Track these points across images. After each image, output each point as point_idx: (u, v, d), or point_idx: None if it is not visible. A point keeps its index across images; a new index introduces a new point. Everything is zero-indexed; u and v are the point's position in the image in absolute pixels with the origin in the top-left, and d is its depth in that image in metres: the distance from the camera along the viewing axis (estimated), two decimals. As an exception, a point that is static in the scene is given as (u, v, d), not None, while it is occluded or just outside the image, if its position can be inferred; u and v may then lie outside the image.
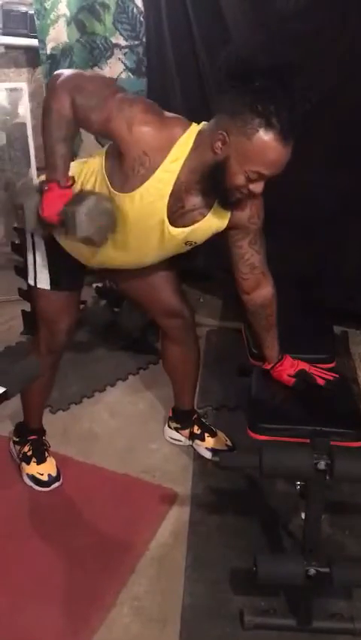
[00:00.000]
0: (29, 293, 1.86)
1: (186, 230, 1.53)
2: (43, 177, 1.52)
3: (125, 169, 1.40)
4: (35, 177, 3.01)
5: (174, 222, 1.50)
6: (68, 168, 1.45)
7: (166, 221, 1.48)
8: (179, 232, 1.52)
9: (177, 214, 1.49)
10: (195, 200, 1.49)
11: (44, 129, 1.43)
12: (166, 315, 1.88)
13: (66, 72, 1.43)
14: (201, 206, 1.50)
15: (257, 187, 1.39)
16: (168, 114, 1.44)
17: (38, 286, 1.72)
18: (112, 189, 1.44)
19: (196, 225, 1.53)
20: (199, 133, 1.41)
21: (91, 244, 1.45)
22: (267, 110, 1.29)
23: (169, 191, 1.43)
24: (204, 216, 1.53)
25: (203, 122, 1.45)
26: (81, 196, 1.41)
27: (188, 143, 1.40)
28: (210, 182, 1.42)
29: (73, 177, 1.47)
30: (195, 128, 1.43)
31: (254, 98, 1.29)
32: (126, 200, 1.43)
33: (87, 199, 1.39)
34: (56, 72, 1.45)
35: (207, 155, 1.38)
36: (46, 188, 1.43)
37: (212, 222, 1.55)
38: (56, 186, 1.42)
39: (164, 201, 1.44)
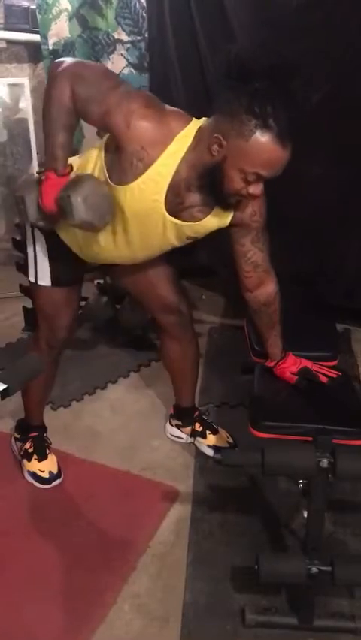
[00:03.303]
0: (30, 290, 1.86)
1: (186, 224, 1.52)
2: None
3: (123, 162, 1.39)
4: (36, 173, 3.01)
5: (174, 215, 1.49)
6: (66, 157, 1.45)
7: (166, 213, 1.47)
8: (180, 223, 1.51)
9: (177, 209, 1.48)
10: (194, 198, 1.48)
11: (44, 117, 1.42)
12: (163, 311, 1.88)
13: (68, 60, 1.42)
14: (200, 204, 1.50)
15: (256, 189, 1.38)
16: (168, 108, 1.44)
17: (39, 283, 1.71)
18: (110, 182, 1.44)
19: (197, 223, 1.53)
20: (200, 129, 1.41)
21: (91, 229, 1.44)
22: (264, 112, 1.28)
23: (167, 185, 1.42)
24: (206, 215, 1.52)
25: (204, 118, 1.44)
26: (77, 181, 1.40)
27: (187, 138, 1.40)
28: (207, 183, 1.42)
29: (71, 165, 1.46)
30: (195, 124, 1.42)
31: (251, 99, 1.29)
32: (124, 192, 1.42)
33: (83, 183, 1.38)
34: (57, 60, 1.44)
35: (205, 156, 1.38)
36: (43, 177, 1.43)
37: (214, 221, 1.55)
38: (54, 175, 1.42)
39: (162, 194, 1.43)
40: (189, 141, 1.40)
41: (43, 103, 1.43)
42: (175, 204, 1.47)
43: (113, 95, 1.37)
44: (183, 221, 1.51)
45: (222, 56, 1.34)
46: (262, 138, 1.29)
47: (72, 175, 1.45)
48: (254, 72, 1.28)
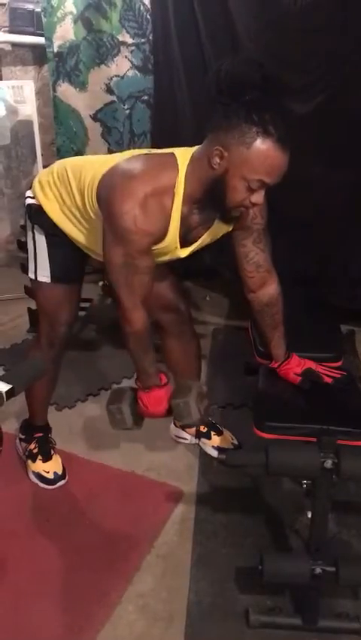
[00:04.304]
0: (30, 286, 1.87)
1: (194, 246, 1.59)
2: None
3: None
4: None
5: (184, 240, 1.54)
6: (157, 371, 1.60)
7: (178, 247, 1.54)
8: (188, 251, 1.59)
9: (186, 232, 1.53)
10: (198, 218, 1.53)
11: (129, 348, 1.59)
12: (163, 309, 1.89)
13: (121, 295, 1.51)
14: (204, 221, 1.55)
15: (258, 198, 1.40)
16: (152, 169, 1.45)
17: (39, 279, 1.73)
18: None
19: (202, 238, 1.59)
20: (191, 159, 1.44)
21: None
22: (262, 119, 1.30)
23: (178, 228, 1.49)
24: (209, 228, 1.58)
25: (194, 148, 1.46)
26: (183, 389, 1.58)
27: (181, 183, 1.43)
28: (209, 198, 1.45)
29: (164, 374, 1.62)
30: (183, 159, 1.44)
31: (248, 109, 1.31)
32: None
33: (190, 390, 1.56)
34: (119, 303, 1.53)
35: (205, 173, 1.41)
36: (146, 391, 1.58)
37: (217, 230, 1.60)
38: (156, 388, 1.58)
39: (176, 237, 1.50)
40: (183, 181, 1.43)
41: (123, 336, 1.58)
42: (184, 231, 1.52)
43: (141, 247, 1.44)
44: (191, 242, 1.58)
45: (211, 76, 1.36)
46: (263, 145, 1.31)
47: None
48: (244, 86, 1.31)
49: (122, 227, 1.40)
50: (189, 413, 1.54)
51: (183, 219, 1.48)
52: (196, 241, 1.59)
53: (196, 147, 1.46)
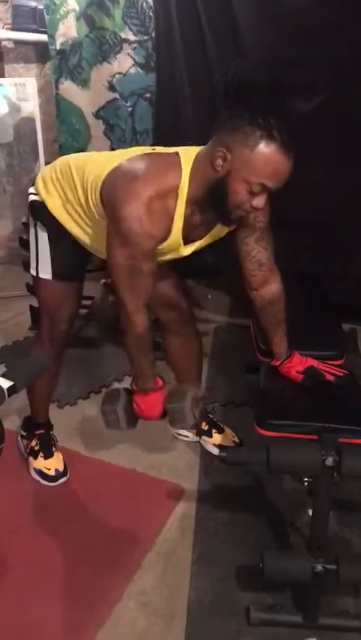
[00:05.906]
0: (33, 283, 1.87)
1: (196, 244, 1.59)
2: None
3: None
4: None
5: (187, 238, 1.55)
6: (155, 375, 1.60)
7: (181, 245, 1.54)
8: (191, 249, 1.59)
9: (189, 230, 1.53)
10: (200, 217, 1.53)
11: (128, 350, 1.59)
12: (164, 307, 1.90)
13: (124, 297, 1.50)
14: (207, 220, 1.54)
15: (260, 202, 1.40)
16: (155, 172, 1.44)
17: (40, 276, 1.73)
18: None
19: (205, 237, 1.60)
20: (195, 160, 1.44)
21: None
22: (267, 123, 1.30)
23: (181, 227, 1.49)
24: (212, 227, 1.58)
25: (198, 148, 1.46)
26: (178, 393, 1.58)
27: (185, 182, 1.43)
28: (211, 200, 1.44)
29: (160, 377, 1.62)
30: (187, 161, 1.44)
31: (253, 112, 1.31)
32: None
33: (185, 395, 1.56)
34: (121, 306, 1.52)
35: (207, 175, 1.40)
36: (142, 394, 1.58)
37: (220, 229, 1.60)
38: (152, 392, 1.57)
39: (179, 236, 1.51)
40: (187, 182, 1.43)
41: (124, 337, 1.58)
42: (187, 230, 1.52)
43: (145, 245, 1.43)
44: (193, 241, 1.58)
45: (220, 79, 1.36)
46: (267, 149, 1.31)
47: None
48: (251, 90, 1.30)
49: (127, 230, 1.40)
50: (184, 418, 1.55)
51: (187, 219, 1.48)
52: (199, 239, 1.59)
53: (201, 147, 1.45)
